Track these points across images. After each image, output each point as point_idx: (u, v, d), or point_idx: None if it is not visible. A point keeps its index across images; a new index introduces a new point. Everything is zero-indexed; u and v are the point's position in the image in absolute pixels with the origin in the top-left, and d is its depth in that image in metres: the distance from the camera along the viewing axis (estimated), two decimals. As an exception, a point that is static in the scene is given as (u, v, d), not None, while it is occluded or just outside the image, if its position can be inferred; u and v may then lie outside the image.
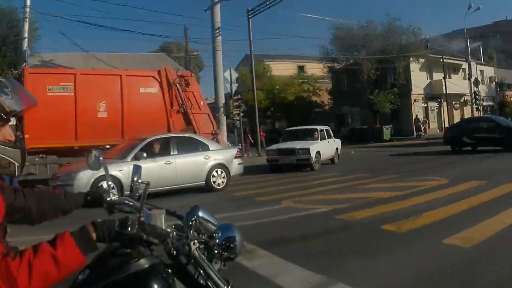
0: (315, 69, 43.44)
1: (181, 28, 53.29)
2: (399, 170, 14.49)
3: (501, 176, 10.83)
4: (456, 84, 40.72)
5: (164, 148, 11.60)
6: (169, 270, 1.64)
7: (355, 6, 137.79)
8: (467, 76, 39.30)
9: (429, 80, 41.10)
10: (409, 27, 37.33)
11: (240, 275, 3.99)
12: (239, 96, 25.49)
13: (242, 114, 25.29)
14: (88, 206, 1.91)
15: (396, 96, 36.26)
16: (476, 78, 38.24)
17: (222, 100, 23.89)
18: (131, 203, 1.88)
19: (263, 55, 40.17)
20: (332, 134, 19.08)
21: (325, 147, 17.57)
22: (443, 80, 38.23)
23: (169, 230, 1.57)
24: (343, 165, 18.13)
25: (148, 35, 72.72)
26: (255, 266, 4.80)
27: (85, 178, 9.81)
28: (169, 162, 11.23)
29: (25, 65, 16.83)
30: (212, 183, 11.97)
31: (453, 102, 41.84)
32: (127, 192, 3.21)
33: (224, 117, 23.55)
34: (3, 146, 1.50)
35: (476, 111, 38.17)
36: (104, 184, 2.82)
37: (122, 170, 9.95)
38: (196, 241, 1.68)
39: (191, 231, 1.73)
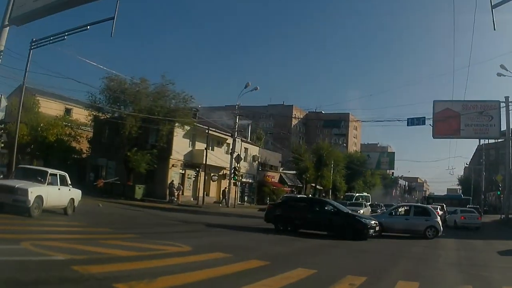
0: (81, 114, 48.27)
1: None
2: (144, 231, 17.99)
3: (247, 252, 14.25)
4: (218, 157, 50.20)
5: None
6: None
7: (135, 61, 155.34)
8: (230, 151, 48.88)
9: (191, 148, 49.94)
10: (181, 93, 44.34)
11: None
12: (3, 126, 29.12)
13: (2, 145, 29.37)
14: None
15: (155, 158, 42.70)
16: (238, 155, 48.49)
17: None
18: None
19: (36, 89, 45.26)
20: (69, 182, 20.77)
21: (54, 193, 18.80)
22: (205, 151, 45.80)
23: None
24: (88, 216, 21.33)
25: None
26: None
27: None
28: None
29: None
30: None
31: (212, 174, 51.63)
32: None
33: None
34: None
35: (234, 185, 48.43)
36: None
37: None
38: None
39: None
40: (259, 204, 57.76)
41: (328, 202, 25.26)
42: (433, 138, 51.91)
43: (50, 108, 50.59)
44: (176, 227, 21.84)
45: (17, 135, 31.66)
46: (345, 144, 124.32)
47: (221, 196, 50.14)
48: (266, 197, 60.89)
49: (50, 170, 19.83)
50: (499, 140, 78.37)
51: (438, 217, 27.09)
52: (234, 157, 47.55)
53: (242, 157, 54.77)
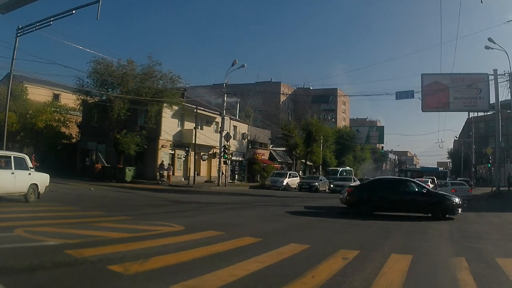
0: (69, 99, 48.52)
1: None
2: (136, 212, 17.97)
3: (240, 229, 14.31)
4: (207, 136, 50.53)
5: None
6: None
7: (122, 44, 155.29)
8: (219, 129, 49.20)
9: (180, 128, 50.13)
10: (168, 73, 44.46)
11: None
12: (-9, 115, 28.08)
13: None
14: None
15: (144, 139, 42.88)
16: (227, 133, 48.72)
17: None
18: None
19: (24, 76, 44.86)
20: (30, 166, 19.43)
21: (4, 178, 17.64)
22: (194, 130, 46.35)
23: None
24: (80, 201, 21.58)
25: None
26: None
27: None
28: None
29: None
30: None
31: (202, 153, 51.98)
32: None
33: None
34: None
35: (224, 164, 48.46)
36: None
37: None
38: None
39: None
40: (250, 182, 58.26)
41: (413, 182, 23.64)
42: (422, 111, 52.24)
43: (38, 94, 50.66)
44: (168, 207, 21.85)
45: (6, 124, 31.71)
46: (334, 119, 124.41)
47: (218, 175, 50.02)
48: (256, 175, 61.23)
49: (6, 153, 19.17)
50: (488, 113, 79.08)
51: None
52: (223, 135, 47.69)
53: (232, 135, 54.98)
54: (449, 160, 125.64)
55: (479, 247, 12.66)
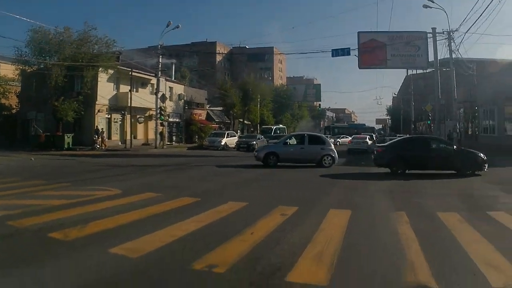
0: (9, 70, 46.28)
1: None
2: (75, 179, 17.88)
3: (178, 190, 14.40)
4: (143, 98, 49.69)
5: None
6: None
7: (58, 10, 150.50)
8: (154, 91, 48.35)
9: (115, 92, 49.06)
10: (103, 37, 43.55)
11: None
12: None
13: None
14: None
15: (81, 105, 42.35)
16: (163, 94, 47.90)
17: None
18: None
19: None
20: None
21: None
22: (129, 93, 45.99)
23: None
24: (21, 171, 21.21)
25: None
26: None
27: None
28: None
29: None
30: None
31: (138, 116, 51.31)
32: None
33: None
34: None
35: (161, 126, 47.72)
36: None
37: None
38: None
39: None
40: (188, 143, 57.62)
41: (440, 140, 24.45)
42: (359, 68, 52.01)
43: (-24, 67, 48.43)
44: (105, 172, 21.48)
45: None
46: (270, 78, 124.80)
47: (158, 137, 49.44)
48: (194, 136, 60.54)
49: None
50: (427, 71, 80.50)
51: (332, 145, 27.27)
52: (159, 97, 46.96)
53: (168, 97, 54.38)
54: (388, 117, 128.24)
55: (420, 202, 12.87)
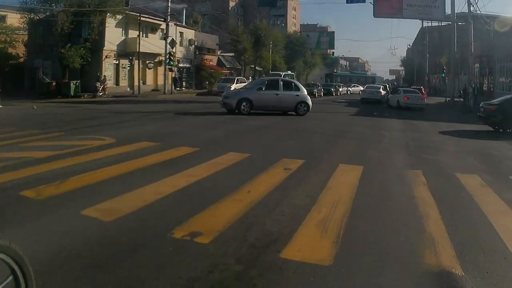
0: (15, 19, 45.45)
1: None
2: (71, 127, 16.57)
3: (177, 138, 13.43)
4: (153, 44, 48.22)
5: None
6: None
7: None
8: (164, 36, 47.11)
9: (124, 37, 47.74)
10: None
11: None
12: None
13: None
14: None
15: (88, 51, 41.21)
16: (172, 39, 46.47)
17: None
18: None
19: None
20: None
21: None
22: (138, 38, 44.97)
23: None
24: (19, 120, 19.71)
25: None
26: None
27: None
28: None
29: None
30: None
31: (147, 61, 50.18)
32: None
33: None
34: None
35: (170, 71, 46.67)
36: None
37: None
38: None
39: None
40: (198, 89, 56.55)
41: None
42: (374, 17, 50.28)
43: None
44: (107, 119, 20.06)
45: None
46: (284, 25, 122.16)
47: (172, 83, 48.41)
48: (204, 81, 59.16)
49: None
50: (442, 23, 77.69)
51: (305, 91, 25.80)
52: (168, 42, 45.50)
53: (178, 42, 53.18)
54: (402, 68, 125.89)
55: (437, 159, 11.82)
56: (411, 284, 4.35)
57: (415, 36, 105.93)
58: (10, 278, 2.72)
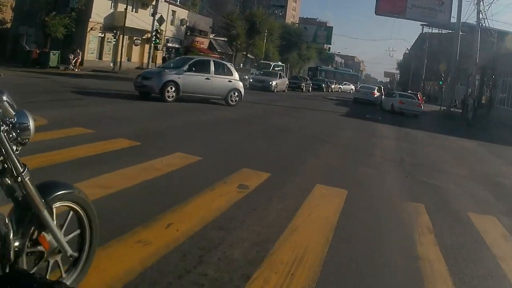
0: None
1: None
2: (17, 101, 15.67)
3: (119, 126, 11.17)
4: (142, 20, 45.72)
5: None
6: None
7: None
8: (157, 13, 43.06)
9: (112, 10, 45.30)
10: None
11: None
12: None
13: None
14: None
15: (73, 22, 38.98)
16: (161, 16, 42.96)
17: None
18: None
19: None
20: None
21: None
22: (125, 12, 42.16)
23: None
24: None
25: None
26: None
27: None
28: None
29: None
30: None
31: (135, 38, 47.80)
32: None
33: None
34: None
35: (156, 50, 43.67)
36: None
37: None
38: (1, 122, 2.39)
39: None
40: (186, 71, 53.79)
41: None
42: (376, 14, 48.22)
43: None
44: (61, 95, 17.40)
45: None
46: (281, 14, 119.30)
47: (147, 61, 45.68)
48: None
49: None
50: (443, 31, 75.28)
51: (238, 76, 21.62)
52: (156, 18, 42.36)
53: (169, 21, 51.33)
54: (397, 71, 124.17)
55: (440, 186, 9.26)
56: None
57: (414, 40, 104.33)
58: (78, 231, 3.07)
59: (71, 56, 38.16)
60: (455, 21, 42.62)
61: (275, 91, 38.99)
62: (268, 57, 68.38)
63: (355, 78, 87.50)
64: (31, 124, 2.78)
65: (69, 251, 2.92)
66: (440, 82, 52.97)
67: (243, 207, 5.73)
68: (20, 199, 2.61)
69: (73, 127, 9.90)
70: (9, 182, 2.52)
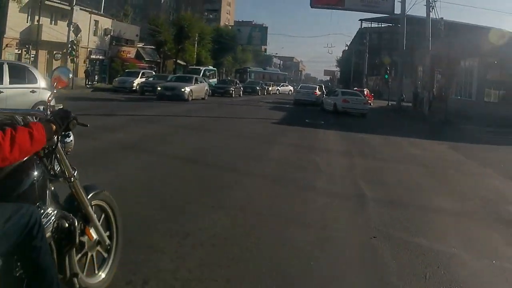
0: None
1: None
2: None
3: None
4: (61, 32, 43.51)
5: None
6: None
7: None
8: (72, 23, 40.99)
9: (29, 23, 43.09)
10: None
11: None
12: None
13: None
14: None
15: None
16: (77, 26, 40.99)
17: None
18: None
19: None
20: None
21: None
22: (43, 26, 41.23)
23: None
24: None
25: None
26: None
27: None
28: None
29: None
30: None
31: (55, 52, 45.69)
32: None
33: None
34: None
35: (71, 62, 40.44)
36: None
37: None
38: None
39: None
40: (111, 83, 50.70)
41: None
42: (311, 7, 46.82)
43: None
44: None
45: None
46: (213, 17, 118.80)
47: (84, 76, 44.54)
48: (117, 75, 54.35)
49: None
50: (382, 25, 75.49)
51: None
52: (72, 28, 40.54)
53: (92, 31, 50.44)
54: (338, 69, 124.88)
55: (439, 256, 5.24)
56: None
57: (354, 35, 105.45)
58: (103, 216, 3.62)
59: None
60: (400, 8, 42.63)
61: (190, 99, 33.24)
62: (200, 62, 67.22)
63: (282, 77, 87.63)
64: (72, 138, 3.35)
65: (108, 241, 3.48)
66: (386, 76, 51.68)
67: None
68: (68, 199, 3.19)
69: None
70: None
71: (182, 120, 20.10)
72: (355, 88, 48.82)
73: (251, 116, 25.41)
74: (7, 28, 40.61)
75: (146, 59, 64.27)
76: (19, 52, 43.07)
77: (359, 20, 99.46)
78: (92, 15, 51.82)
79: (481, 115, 30.36)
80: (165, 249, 4.72)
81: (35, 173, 2.79)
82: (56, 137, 2.86)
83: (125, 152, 10.95)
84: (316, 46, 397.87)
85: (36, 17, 42.83)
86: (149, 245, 4.80)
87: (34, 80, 14.39)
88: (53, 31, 43.35)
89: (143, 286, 3.88)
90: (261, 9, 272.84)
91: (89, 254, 3.31)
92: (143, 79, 41.41)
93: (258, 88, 59.26)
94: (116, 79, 44.06)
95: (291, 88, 75.99)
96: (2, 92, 12.76)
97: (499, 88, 35.23)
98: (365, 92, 46.14)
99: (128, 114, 20.73)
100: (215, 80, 53.48)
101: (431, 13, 36.00)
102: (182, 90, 32.96)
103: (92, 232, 3.24)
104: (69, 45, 40.22)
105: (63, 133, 2.96)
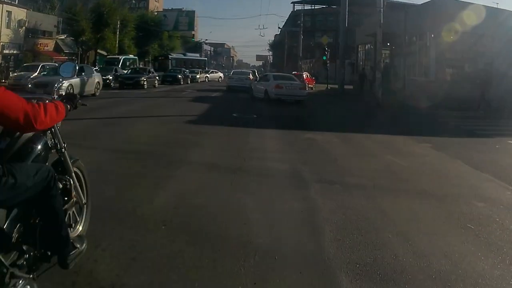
0: None
1: None
2: None
3: None
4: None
5: None
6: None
7: None
8: None
9: None
10: None
11: None
12: None
13: None
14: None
15: None
16: None
17: None
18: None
19: None
20: None
21: None
22: None
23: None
24: None
25: None
26: None
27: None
28: None
29: None
30: None
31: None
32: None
33: None
34: None
35: None
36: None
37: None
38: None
39: None
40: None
41: None
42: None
43: None
44: None
45: None
46: (141, 5, 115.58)
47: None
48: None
49: None
50: (316, 7, 74.76)
51: None
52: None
53: (4, 23, 47.80)
54: (270, 53, 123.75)
55: None
56: None
57: (285, 20, 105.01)
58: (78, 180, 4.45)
59: None
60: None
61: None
62: (123, 51, 64.61)
63: (203, 63, 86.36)
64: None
65: (84, 200, 4.60)
66: (324, 58, 49.97)
67: None
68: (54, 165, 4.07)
69: None
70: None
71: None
72: (293, 72, 45.68)
73: (163, 112, 20.78)
74: None
75: (65, 51, 60.95)
76: None
77: (291, 3, 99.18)
78: (4, 5, 48.83)
79: (439, 97, 28.08)
80: None
81: (40, 144, 3.70)
82: None
83: None
84: (248, 30, 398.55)
85: None
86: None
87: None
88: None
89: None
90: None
91: (70, 211, 4.19)
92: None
93: (180, 76, 53.99)
94: (14, 74, 38.09)
95: (221, 74, 74.95)
96: None
97: (453, 67, 33.87)
98: (304, 76, 44.71)
99: None
100: None
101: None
102: (56, 85, 25.77)
103: (74, 193, 4.05)
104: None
105: None
